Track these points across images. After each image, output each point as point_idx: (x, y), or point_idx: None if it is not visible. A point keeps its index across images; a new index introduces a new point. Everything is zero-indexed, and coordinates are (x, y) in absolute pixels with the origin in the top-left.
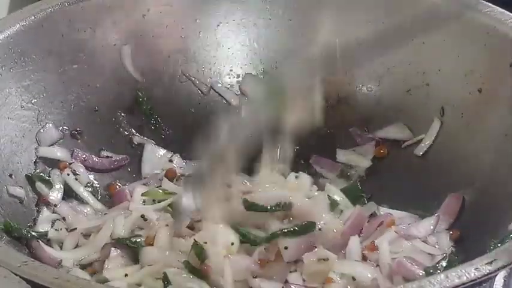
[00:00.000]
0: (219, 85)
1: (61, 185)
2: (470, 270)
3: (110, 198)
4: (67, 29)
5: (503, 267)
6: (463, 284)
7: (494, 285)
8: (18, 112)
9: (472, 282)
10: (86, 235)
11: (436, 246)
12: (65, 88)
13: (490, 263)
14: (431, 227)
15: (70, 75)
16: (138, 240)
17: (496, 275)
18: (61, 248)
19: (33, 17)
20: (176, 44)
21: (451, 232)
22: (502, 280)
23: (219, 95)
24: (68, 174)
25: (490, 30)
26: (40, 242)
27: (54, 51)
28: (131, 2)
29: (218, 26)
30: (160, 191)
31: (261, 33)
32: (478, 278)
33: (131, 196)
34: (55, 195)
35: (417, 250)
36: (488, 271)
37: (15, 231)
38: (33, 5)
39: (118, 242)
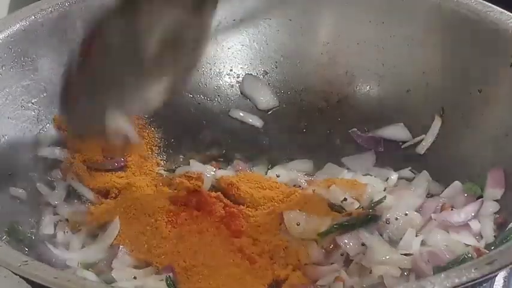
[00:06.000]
0: (219, 85)
1: (62, 186)
2: (470, 271)
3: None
4: (67, 29)
5: (503, 267)
6: (463, 284)
7: (494, 286)
8: (18, 112)
9: (472, 282)
10: (92, 235)
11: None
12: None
13: (490, 263)
14: (473, 213)
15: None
16: None
17: (496, 275)
18: (67, 249)
19: (33, 17)
20: None
21: (497, 215)
22: (502, 280)
23: (219, 95)
24: (72, 178)
25: (490, 30)
26: (47, 244)
27: (55, 51)
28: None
29: (218, 26)
30: None
31: (261, 33)
32: (478, 278)
33: None
34: (57, 196)
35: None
36: (488, 271)
37: (21, 234)
38: (33, 5)
39: None
